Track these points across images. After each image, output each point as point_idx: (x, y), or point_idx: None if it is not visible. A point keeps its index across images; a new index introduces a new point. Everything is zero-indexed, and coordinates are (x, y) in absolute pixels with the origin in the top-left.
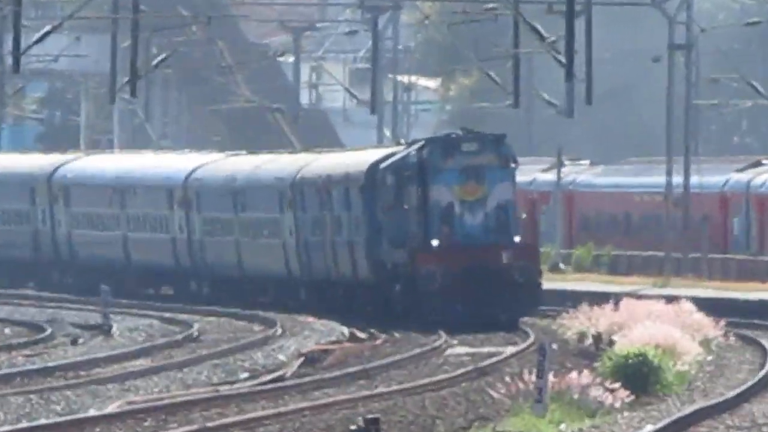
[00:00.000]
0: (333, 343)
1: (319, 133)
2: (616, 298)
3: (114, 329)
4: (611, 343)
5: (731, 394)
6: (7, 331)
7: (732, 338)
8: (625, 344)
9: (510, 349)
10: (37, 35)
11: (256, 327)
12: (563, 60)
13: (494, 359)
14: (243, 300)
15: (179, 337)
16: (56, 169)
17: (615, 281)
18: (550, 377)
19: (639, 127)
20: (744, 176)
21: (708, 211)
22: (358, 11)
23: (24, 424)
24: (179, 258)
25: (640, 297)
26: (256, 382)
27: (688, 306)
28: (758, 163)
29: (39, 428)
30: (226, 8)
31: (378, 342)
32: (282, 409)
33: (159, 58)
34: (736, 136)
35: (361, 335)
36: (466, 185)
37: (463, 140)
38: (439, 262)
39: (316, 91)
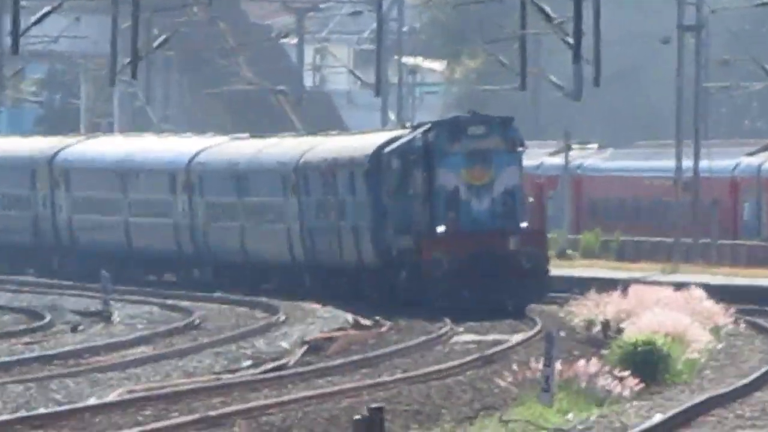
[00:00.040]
0: (337, 330)
1: (322, 115)
2: (625, 284)
3: (114, 316)
4: (620, 330)
5: (742, 382)
6: (6, 318)
7: (742, 326)
8: (633, 332)
9: (517, 337)
10: (36, 16)
11: (259, 314)
12: (571, 41)
13: (501, 347)
14: (246, 286)
15: (181, 324)
16: (57, 152)
17: (623, 267)
18: (558, 365)
19: (648, 109)
20: (755, 160)
21: (718, 195)
22: None
23: (23, 413)
24: (182, 243)
25: (648, 283)
26: (258, 370)
27: (698, 293)
28: None
29: (38, 417)
30: None
31: (383, 329)
32: (285, 398)
33: (160, 40)
34: (747, 119)
35: (366, 322)
36: (473, 169)
37: (469, 123)
38: (445, 247)
39: (319, 73)
